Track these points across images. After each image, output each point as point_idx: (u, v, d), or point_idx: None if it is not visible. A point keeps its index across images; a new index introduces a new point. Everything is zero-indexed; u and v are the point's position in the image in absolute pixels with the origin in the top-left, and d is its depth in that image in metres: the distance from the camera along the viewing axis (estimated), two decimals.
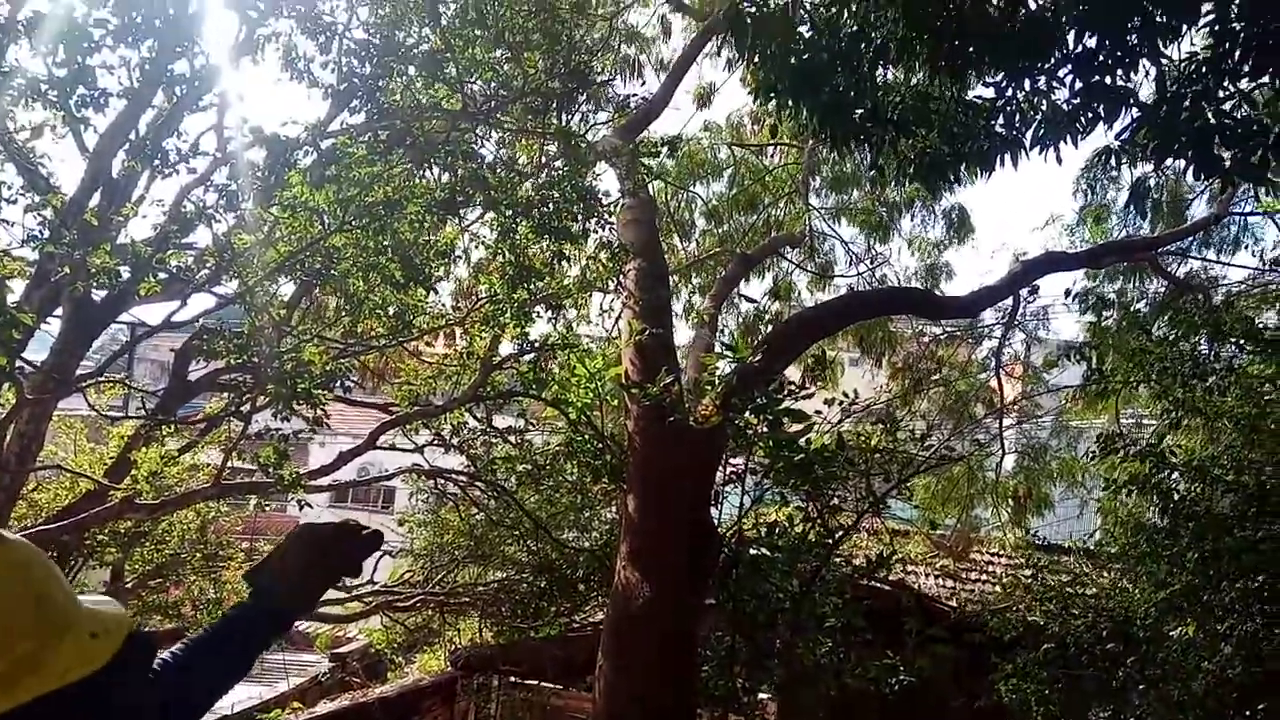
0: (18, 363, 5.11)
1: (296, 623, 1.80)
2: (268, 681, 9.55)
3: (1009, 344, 10.99)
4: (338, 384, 5.73)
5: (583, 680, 8.23)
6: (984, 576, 9.82)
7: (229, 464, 6.63)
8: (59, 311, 5.43)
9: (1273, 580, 5.59)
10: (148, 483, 5.80)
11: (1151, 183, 9.34)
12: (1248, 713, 5.25)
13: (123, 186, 5.39)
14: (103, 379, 5.98)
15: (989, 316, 10.82)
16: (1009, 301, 9.98)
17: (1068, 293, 8.44)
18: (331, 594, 9.04)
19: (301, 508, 5.98)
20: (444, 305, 6.98)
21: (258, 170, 5.16)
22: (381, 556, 9.90)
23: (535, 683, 9.22)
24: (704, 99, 11.26)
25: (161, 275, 5.31)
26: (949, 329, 11.74)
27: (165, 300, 5.73)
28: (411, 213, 5.18)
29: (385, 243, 5.25)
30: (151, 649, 1.35)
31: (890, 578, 8.25)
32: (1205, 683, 5.59)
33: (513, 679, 9.25)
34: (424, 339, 7.15)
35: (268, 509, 11.12)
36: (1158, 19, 3.95)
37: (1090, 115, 4.30)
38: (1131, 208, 9.40)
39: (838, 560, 7.35)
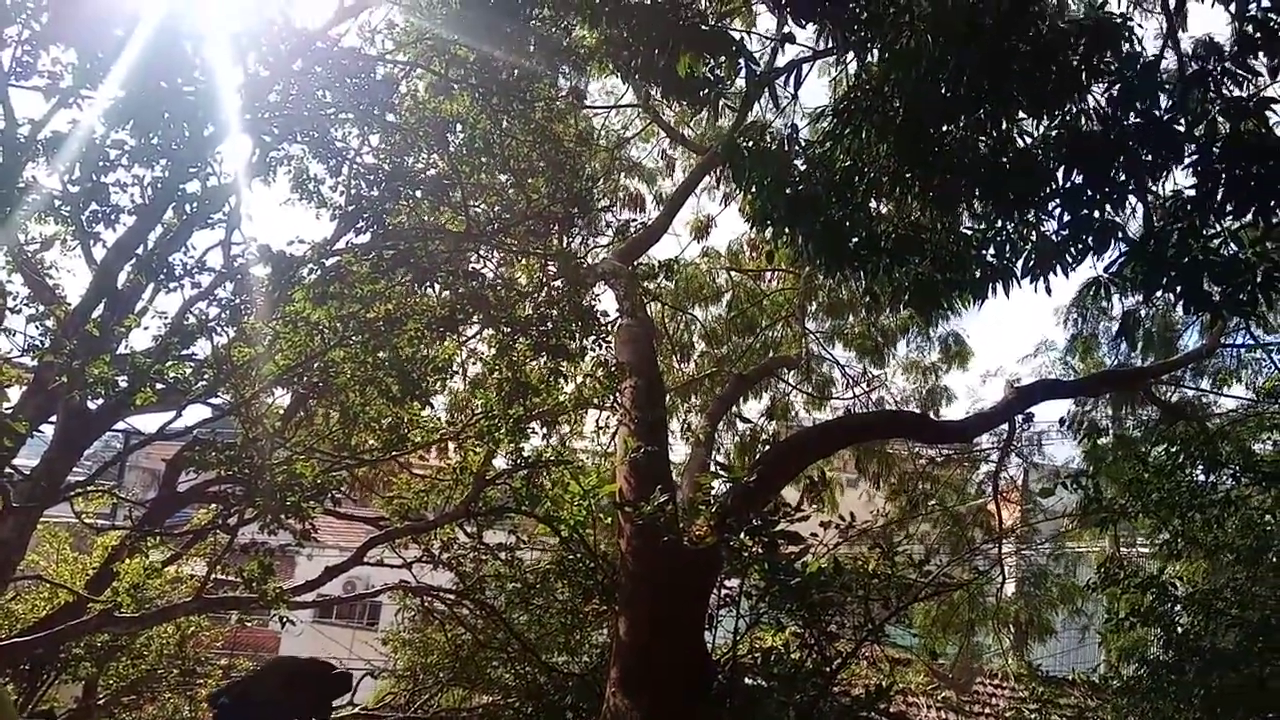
0: (6, 470, 5.09)
1: None
2: None
3: (1005, 469, 10.97)
4: (328, 497, 5.68)
5: None
6: (986, 710, 9.50)
7: (213, 577, 6.49)
8: (53, 419, 5.43)
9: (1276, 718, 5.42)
10: (129, 595, 5.67)
11: (1142, 313, 9.54)
12: None
13: (127, 298, 5.48)
14: (92, 489, 5.92)
15: (985, 440, 10.87)
16: (1004, 426, 10.04)
17: (1062, 421, 8.49)
18: None
19: (284, 625, 5.82)
20: (439, 419, 6.98)
21: (262, 286, 5.26)
22: (364, 676, 9.57)
23: None
24: (701, 231, 11.59)
25: (159, 386, 5.33)
26: (945, 451, 11.74)
27: (161, 410, 5.73)
28: (411, 329, 5.25)
29: (383, 357, 5.30)
30: None
31: (890, 710, 7.97)
32: None
33: None
34: (417, 452, 7.12)
35: (249, 624, 10.81)
36: (1144, 158, 4.11)
37: (1079, 248, 4.42)
38: (1122, 338, 9.56)
39: (836, 690, 7.12)
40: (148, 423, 6.11)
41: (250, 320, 5.39)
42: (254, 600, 5.71)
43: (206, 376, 5.40)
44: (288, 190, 5.70)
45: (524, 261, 6.93)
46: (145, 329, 5.35)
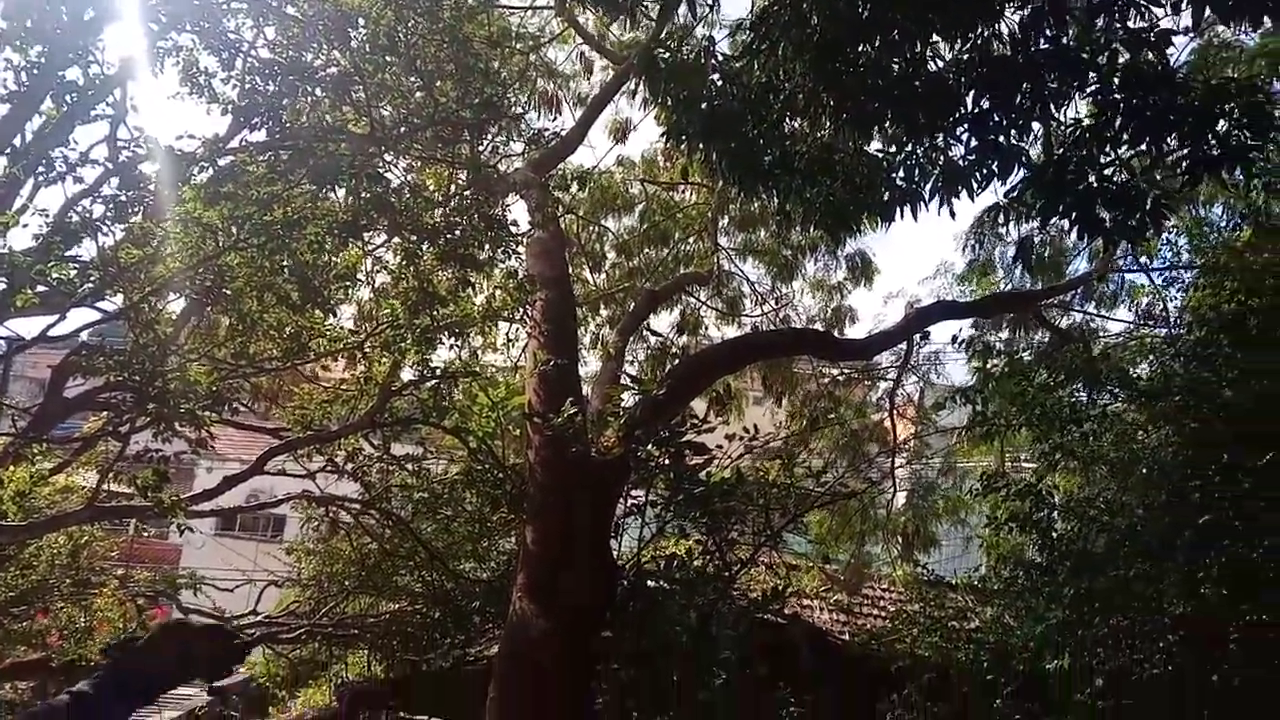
0: None
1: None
2: (141, 716, 9.01)
3: (902, 386, 11.41)
4: (225, 406, 5.52)
5: (475, 715, 8.05)
6: (875, 610, 10.06)
7: (105, 486, 6.29)
8: None
9: (1141, 618, 5.86)
10: (15, 503, 5.45)
11: (1036, 240, 9.92)
12: None
13: (3, 194, 5.11)
14: None
15: (884, 360, 11.25)
16: (903, 345, 10.41)
17: (954, 339, 8.84)
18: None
19: (182, 533, 5.71)
20: (343, 329, 6.81)
21: (150, 184, 4.98)
22: (266, 586, 9.53)
23: (427, 718, 8.97)
24: (620, 134, 11.41)
25: (41, 288, 5.04)
26: (847, 370, 12.12)
27: (44, 314, 5.43)
28: (311, 234, 5.06)
29: (282, 263, 5.12)
30: None
31: (786, 611, 8.39)
32: (1078, 715, 5.83)
33: (403, 714, 8.99)
34: (320, 363, 6.97)
35: (147, 534, 10.57)
36: (1049, 85, 4.22)
37: (984, 173, 4.55)
38: (1018, 262, 9.93)
39: (735, 594, 7.45)
40: (30, 327, 5.79)
41: (139, 220, 5.11)
42: (149, 508, 5.57)
43: (93, 278, 5.12)
44: (177, 84, 5.34)
45: (432, 168, 6.72)
46: (24, 226, 5.01)
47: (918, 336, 9.68)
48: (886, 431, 11.51)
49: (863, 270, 11.70)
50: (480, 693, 5.94)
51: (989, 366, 8.51)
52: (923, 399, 12.16)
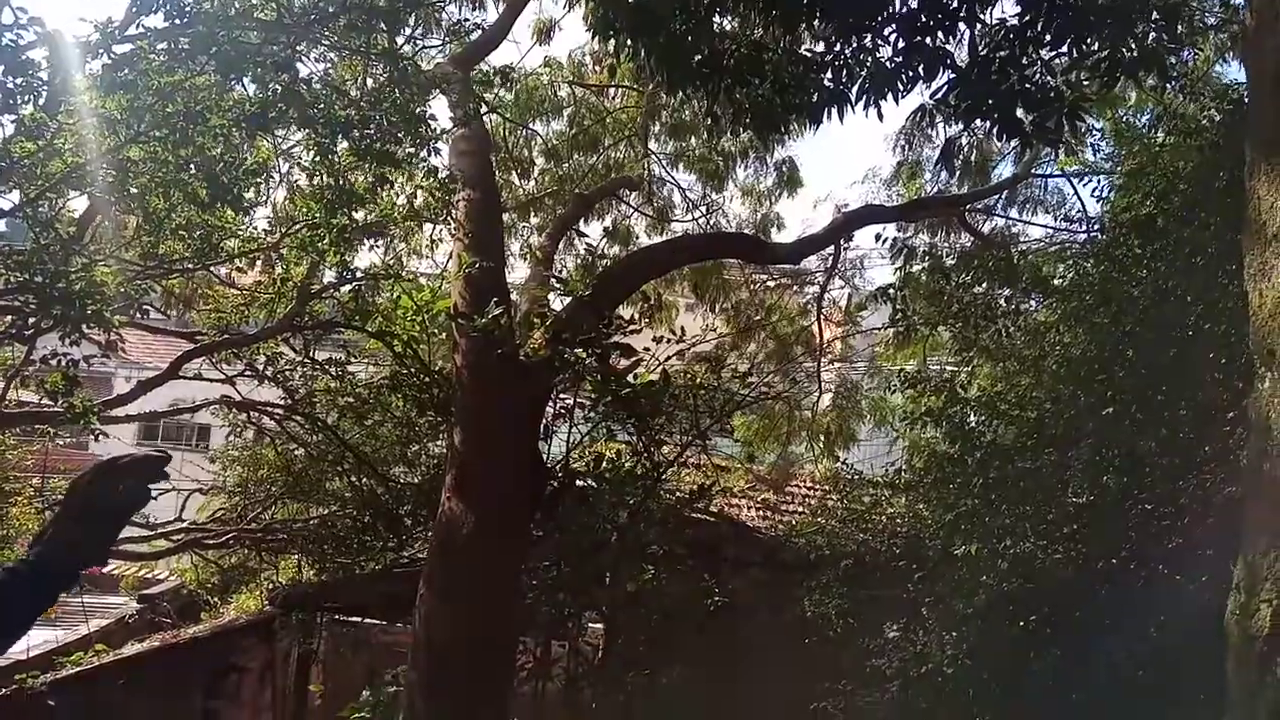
0: None
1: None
2: (67, 625, 8.97)
3: (830, 291, 11.60)
4: (135, 308, 5.35)
5: (407, 617, 8.21)
6: (799, 506, 10.44)
7: (14, 393, 6.10)
8: None
9: (1045, 505, 6.17)
10: None
11: (963, 142, 10.02)
12: (1021, 623, 5.79)
13: None
14: None
15: (813, 265, 11.39)
16: (831, 250, 10.54)
17: (877, 237, 8.98)
18: (134, 532, 8.54)
19: (98, 438, 5.59)
20: (258, 230, 6.61)
21: (41, 71, 4.68)
22: (191, 494, 9.44)
23: (360, 620, 9.10)
24: (544, 33, 11.04)
25: None
26: (778, 278, 12.25)
27: None
28: (216, 126, 4.85)
29: (187, 157, 4.90)
30: None
31: (712, 509, 8.66)
32: (985, 597, 6.17)
33: (336, 616, 9.10)
34: (235, 265, 6.77)
35: (63, 443, 10.31)
36: None
37: (911, 74, 4.57)
38: (941, 165, 10.03)
39: (663, 492, 7.65)
40: None
41: (30, 111, 4.82)
42: (59, 414, 5.42)
43: None
44: None
45: (346, 60, 6.44)
46: None
47: (844, 240, 9.80)
48: (813, 336, 11.73)
49: (790, 177, 11.72)
50: (411, 592, 6.04)
51: (911, 268, 8.69)
52: (849, 303, 12.39)
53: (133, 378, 9.46)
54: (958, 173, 10.29)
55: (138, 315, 5.78)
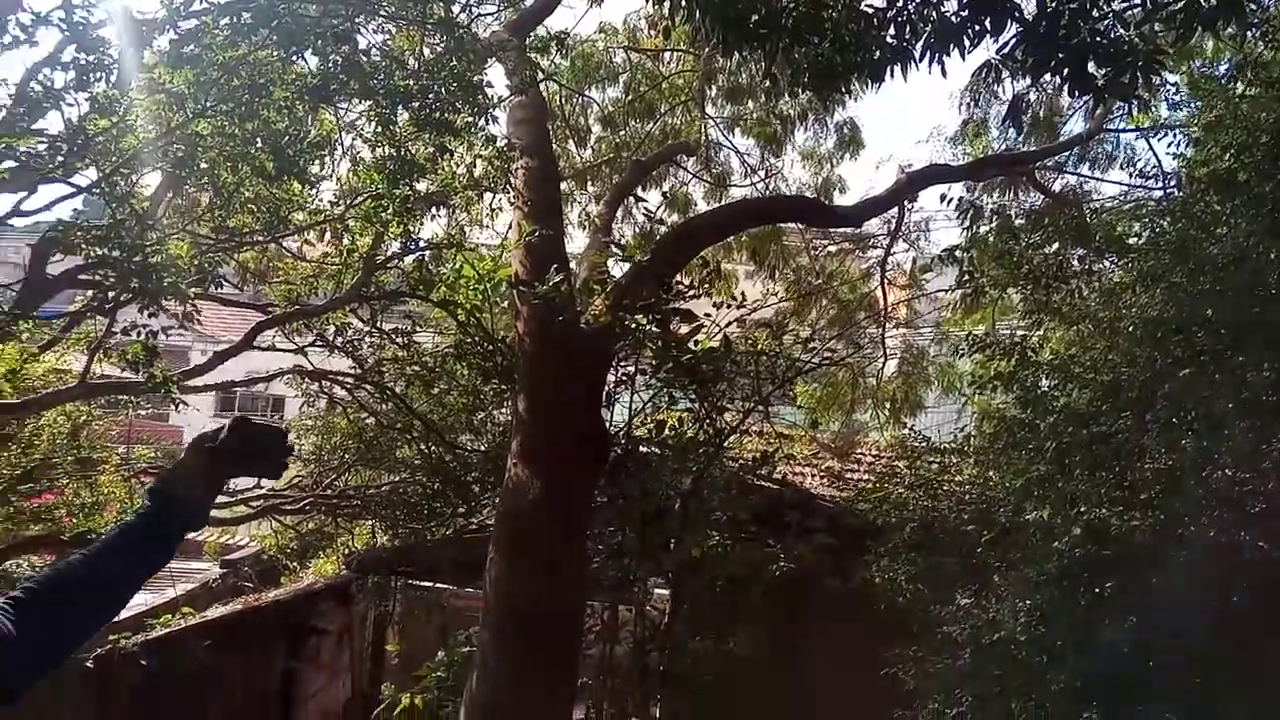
0: None
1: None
2: (155, 589, 9.38)
3: (893, 254, 11.36)
4: (208, 281, 5.50)
5: (478, 580, 8.40)
6: (864, 473, 10.32)
7: (97, 366, 6.34)
8: None
9: (1120, 470, 6.00)
10: (6, 381, 5.50)
11: (1031, 98, 9.67)
12: (1095, 590, 5.66)
13: None
14: None
15: (876, 228, 11.16)
16: (894, 212, 10.30)
17: (943, 198, 8.72)
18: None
19: (178, 407, 5.79)
20: (324, 202, 6.73)
21: (111, 49, 4.81)
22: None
23: (432, 584, 9.33)
24: None
25: (9, 163, 4.95)
26: (840, 241, 12.04)
27: (15, 191, 5.36)
28: (280, 99, 4.93)
29: (253, 131, 5.01)
30: None
31: (775, 476, 8.62)
32: (1058, 564, 6.04)
33: (410, 580, 9.34)
34: (303, 237, 6.92)
35: (144, 413, 10.73)
36: None
37: (977, 28, 4.40)
38: (1009, 122, 9.71)
39: (726, 459, 7.63)
40: (3, 208, 5.72)
41: (103, 88, 4.96)
42: (141, 384, 5.63)
43: (63, 151, 5.03)
44: None
45: (403, 30, 6.49)
46: None
47: (908, 202, 9.58)
48: (877, 300, 11.53)
49: (852, 138, 11.48)
50: (481, 558, 6.15)
51: (978, 229, 8.45)
52: (914, 266, 12.13)
53: (208, 350, 9.79)
54: (1026, 130, 9.96)
55: (212, 288, 5.95)
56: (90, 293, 6.20)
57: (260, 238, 6.23)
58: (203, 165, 5.30)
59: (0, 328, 5.87)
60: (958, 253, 7.33)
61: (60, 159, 5.06)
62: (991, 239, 8.68)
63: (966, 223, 9.36)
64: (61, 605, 1.57)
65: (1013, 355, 6.73)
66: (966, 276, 7.19)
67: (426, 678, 7.69)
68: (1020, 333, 8.05)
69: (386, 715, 8.10)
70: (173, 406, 6.30)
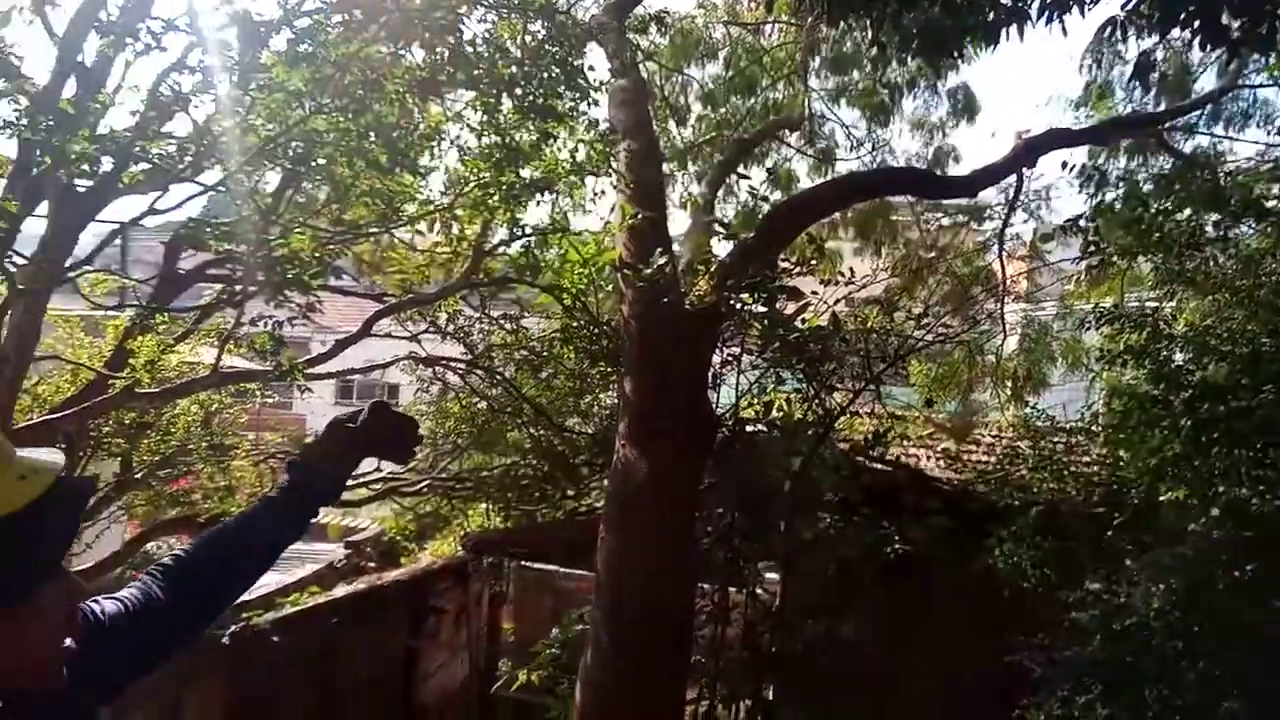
0: (8, 256, 5.12)
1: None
2: (285, 569, 9.87)
3: (1012, 225, 10.86)
4: (328, 272, 5.71)
5: (588, 563, 8.52)
6: (983, 455, 9.96)
7: (227, 357, 6.68)
8: (43, 209, 5.39)
9: (1261, 447, 5.63)
10: (146, 372, 5.87)
11: (1159, 55, 9.07)
12: (1235, 573, 5.35)
13: (97, 74, 5.27)
14: (94, 269, 5.99)
15: (993, 198, 10.69)
16: (1012, 181, 9.84)
17: (1064, 164, 8.28)
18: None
19: (303, 393, 6.05)
20: (434, 193, 6.90)
21: (233, 51, 5.03)
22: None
23: (543, 565, 9.52)
24: None
25: (143, 165, 5.25)
26: (953, 214, 11.59)
27: (149, 192, 5.68)
28: (391, 92, 5.06)
29: (367, 125, 5.16)
30: (84, 492, 1.41)
31: (888, 457, 8.40)
32: (1195, 547, 5.71)
33: (522, 561, 9.55)
34: (415, 227, 7.11)
35: (270, 400, 11.29)
36: None
37: None
38: (1135, 82, 9.15)
39: (835, 440, 7.48)
40: (138, 208, 6.08)
41: (227, 90, 5.19)
42: (269, 372, 5.90)
43: (191, 152, 5.29)
44: None
45: (505, 18, 6.57)
46: (121, 104, 5.19)
47: (1027, 170, 9.13)
48: (995, 274, 11.06)
49: (965, 105, 11.02)
50: (590, 540, 6.22)
51: (1104, 196, 8.01)
52: (1034, 237, 11.58)
53: (327, 341, 10.21)
54: (1154, 89, 9.36)
55: (332, 279, 6.18)
56: (219, 286, 6.53)
57: (375, 229, 6.44)
58: (320, 160, 5.48)
59: (139, 321, 6.26)
60: (1082, 221, 6.95)
61: (188, 159, 5.33)
62: (1118, 206, 8.21)
63: (1091, 190, 8.89)
64: (208, 572, 1.65)
65: (1144, 328, 6.37)
66: (1092, 246, 6.81)
67: (541, 655, 7.84)
68: (1151, 304, 7.61)
69: (504, 691, 8.31)
70: (297, 393, 6.59)
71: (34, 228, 5.42)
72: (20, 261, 5.28)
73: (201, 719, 7.68)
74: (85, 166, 4.83)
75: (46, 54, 5.19)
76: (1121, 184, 9.06)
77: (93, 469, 7.94)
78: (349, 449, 1.81)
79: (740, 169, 9.94)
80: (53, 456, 1.29)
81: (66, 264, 5.29)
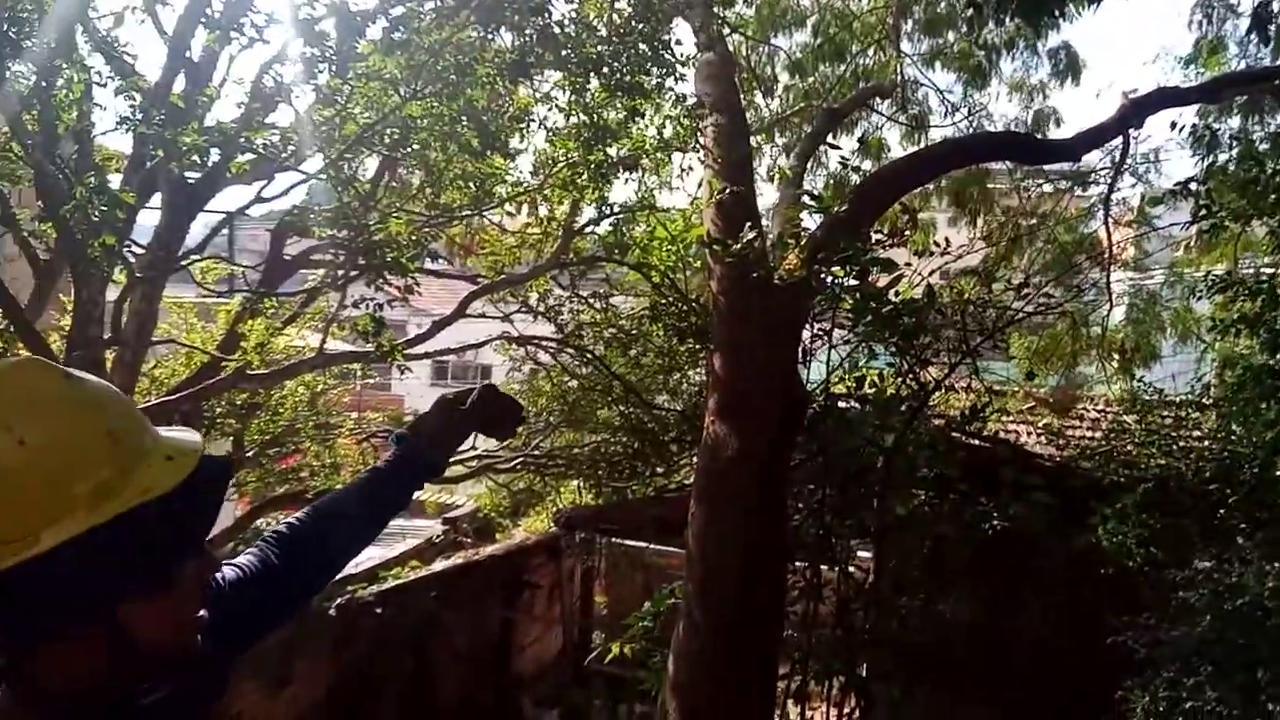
0: (126, 245, 5.42)
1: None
2: (386, 544, 10.23)
3: (1118, 190, 10.36)
4: (425, 255, 5.87)
5: (678, 539, 8.57)
6: (1088, 430, 9.61)
7: (330, 340, 6.94)
8: (157, 200, 5.68)
9: None
10: (256, 354, 6.15)
11: (1277, 6, 8.50)
12: None
13: (204, 68, 5.51)
14: (207, 257, 6.29)
15: (1097, 162, 10.21)
16: (1118, 143, 9.37)
17: (1173, 124, 7.83)
18: None
19: (402, 373, 6.25)
20: (524, 174, 7.00)
21: (329, 41, 5.19)
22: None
23: (634, 542, 9.61)
24: None
25: (249, 155, 5.47)
26: (1053, 179, 11.13)
27: (255, 181, 5.92)
28: (482, 76, 5.15)
29: (460, 109, 5.26)
30: (226, 470, 1.44)
31: (986, 433, 8.17)
32: None
33: (613, 537, 9.67)
34: (506, 209, 7.24)
35: (371, 381, 11.68)
36: None
37: None
38: (1252, 35, 8.59)
39: (930, 415, 7.31)
40: (244, 196, 6.35)
41: (326, 79, 5.37)
42: (370, 353, 6.12)
43: (293, 142, 5.50)
44: None
45: None
46: (226, 96, 5.43)
47: (1133, 131, 8.68)
48: (1100, 243, 10.58)
49: (1068, 66, 10.53)
50: (680, 517, 6.24)
51: (1216, 157, 7.58)
52: (1142, 202, 11.04)
53: (423, 323, 10.49)
54: (1272, 42, 8.77)
55: (427, 262, 6.35)
56: (322, 271, 6.78)
57: (467, 212, 6.58)
58: (415, 146, 5.62)
59: (248, 306, 6.56)
60: (1193, 185, 6.60)
61: (291, 149, 5.53)
62: (1232, 167, 7.76)
63: (1203, 150, 8.42)
64: (318, 540, 1.73)
65: (1259, 295, 6.03)
66: (1203, 210, 6.46)
67: (634, 628, 7.95)
68: (1267, 270, 7.19)
69: (598, 664, 8.46)
70: (396, 374, 6.80)
71: (148, 219, 5.73)
72: (138, 251, 5.58)
73: (309, 686, 8.06)
74: (195, 158, 5.06)
75: (157, 51, 5.45)
76: (1235, 144, 8.53)
77: (207, 449, 8.33)
78: (457, 427, 1.87)
79: (830, 139, 9.72)
80: (193, 436, 1.34)
81: (179, 253, 5.56)
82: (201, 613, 1.35)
